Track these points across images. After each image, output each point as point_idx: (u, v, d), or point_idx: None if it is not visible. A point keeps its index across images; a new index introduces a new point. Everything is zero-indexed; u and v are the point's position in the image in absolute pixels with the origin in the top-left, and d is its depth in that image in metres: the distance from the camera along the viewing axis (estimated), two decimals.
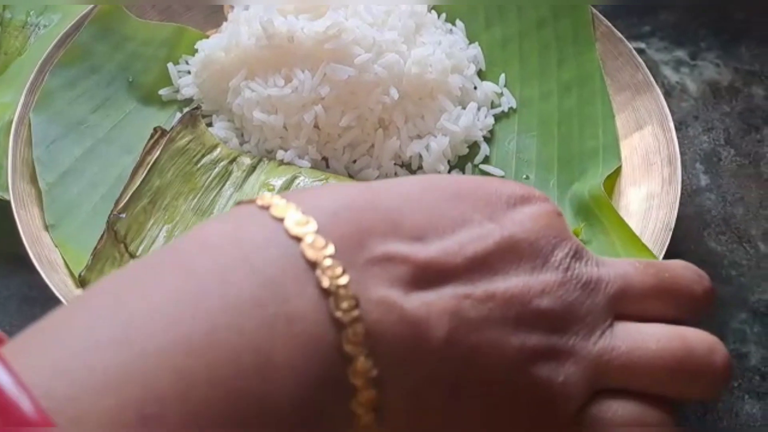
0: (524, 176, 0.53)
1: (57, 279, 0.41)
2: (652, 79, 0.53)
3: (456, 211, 0.25)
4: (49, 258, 0.42)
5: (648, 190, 0.49)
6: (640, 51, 0.62)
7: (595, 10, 0.56)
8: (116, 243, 0.41)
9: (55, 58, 0.50)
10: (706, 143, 0.57)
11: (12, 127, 0.46)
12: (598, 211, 0.48)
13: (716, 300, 0.29)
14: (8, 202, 0.44)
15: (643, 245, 0.44)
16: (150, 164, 0.45)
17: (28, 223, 0.43)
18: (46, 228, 0.44)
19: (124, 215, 0.42)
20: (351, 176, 0.51)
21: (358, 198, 0.25)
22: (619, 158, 0.51)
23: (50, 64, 0.50)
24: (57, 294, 0.41)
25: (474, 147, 0.54)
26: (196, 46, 0.54)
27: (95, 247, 0.42)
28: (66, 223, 0.45)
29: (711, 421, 0.45)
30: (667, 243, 0.44)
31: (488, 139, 0.55)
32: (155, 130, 0.47)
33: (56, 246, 0.44)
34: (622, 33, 0.55)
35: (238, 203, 0.25)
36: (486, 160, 0.54)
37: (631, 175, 0.51)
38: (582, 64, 0.55)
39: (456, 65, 0.54)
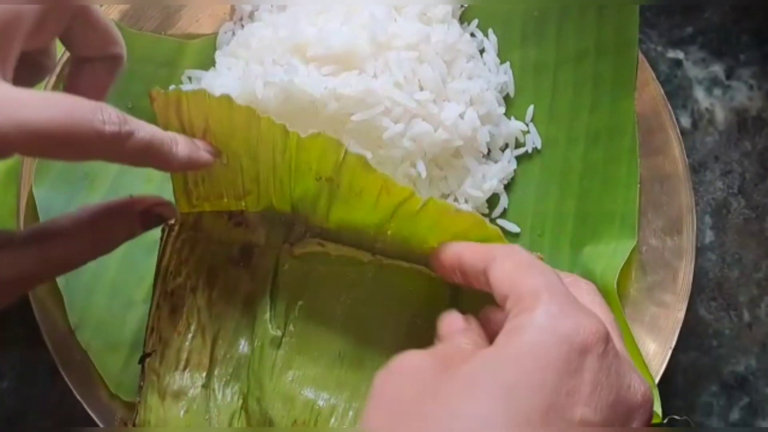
0: (538, 232, 0.53)
1: (91, 396, 0.43)
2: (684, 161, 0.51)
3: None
4: (80, 370, 0.43)
5: (653, 281, 0.50)
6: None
7: (642, 57, 0.51)
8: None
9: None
10: (720, 191, 0.57)
11: (17, 206, 0.44)
12: (606, 298, 0.50)
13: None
14: None
15: (644, 364, 0.47)
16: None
17: (52, 331, 0.43)
18: (71, 330, 0.44)
19: (154, 354, 0.42)
20: None
21: None
22: (635, 236, 0.51)
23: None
24: (91, 414, 0.43)
25: (493, 197, 0.53)
26: (202, 85, 0.48)
27: (138, 396, 0.42)
28: (88, 315, 0.45)
29: None
30: (665, 365, 0.48)
31: (508, 186, 0.54)
32: (162, 231, 0.45)
33: (84, 351, 0.44)
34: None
35: None
36: (504, 212, 0.53)
37: (641, 255, 0.51)
38: (616, 113, 0.52)
39: (486, 114, 0.51)
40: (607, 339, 0.31)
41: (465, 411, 0.28)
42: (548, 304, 0.32)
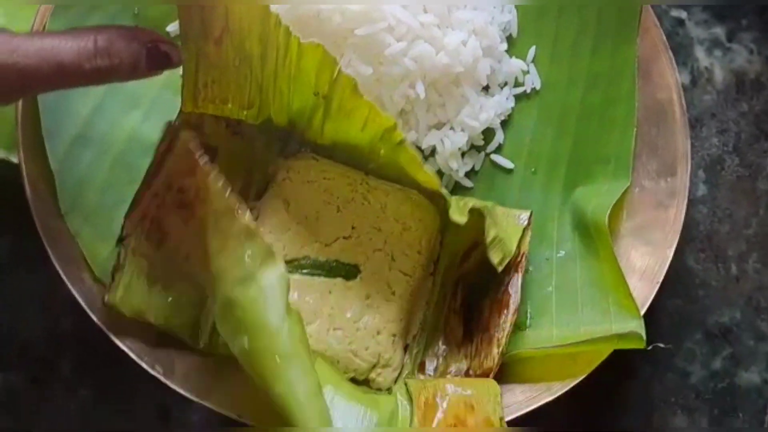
0: (532, 169, 0.53)
1: (75, 277, 0.43)
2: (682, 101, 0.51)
3: None
4: (67, 252, 0.43)
5: (643, 220, 0.50)
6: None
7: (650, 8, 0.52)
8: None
9: None
10: (715, 147, 0.57)
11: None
12: (596, 236, 0.50)
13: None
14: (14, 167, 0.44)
15: (630, 295, 0.47)
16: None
17: (43, 213, 0.43)
18: (60, 214, 0.44)
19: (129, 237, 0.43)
20: None
21: None
22: (628, 177, 0.51)
23: (48, 9, 0.45)
24: (75, 294, 0.42)
25: (489, 132, 0.53)
26: None
27: (114, 266, 0.43)
28: (79, 204, 0.45)
29: None
30: (651, 299, 0.48)
31: (505, 123, 0.54)
32: (168, 124, 0.45)
33: (73, 236, 0.44)
34: None
35: None
36: (499, 148, 0.54)
37: (633, 195, 0.51)
38: (617, 57, 0.52)
39: (488, 47, 0.51)
40: None
41: None
42: None
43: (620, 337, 0.45)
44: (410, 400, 0.44)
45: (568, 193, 0.52)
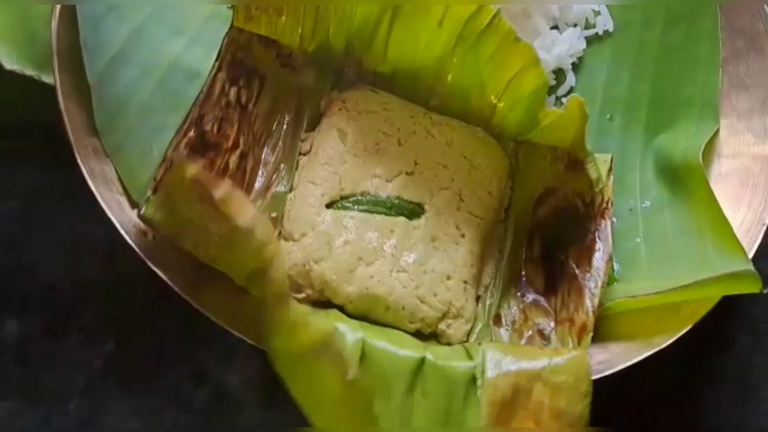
0: (608, 116, 0.49)
1: (111, 199, 0.38)
2: None
3: None
4: (101, 172, 0.38)
5: (742, 164, 0.45)
6: None
7: None
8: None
9: None
10: None
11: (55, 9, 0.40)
12: (688, 179, 0.45)
13: None
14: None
15: (735, 236, 0.41)
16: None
17: (77, 128, 0.39)
18: (95, 132, 0.40)
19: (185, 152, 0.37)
20: None
21: None
22: (717, 119, 0.46)
23: None
24: (110, 216, 0.37)
25: (559, 74, 0.49)
26: None
27: (155, 179, 0.37)
28: (116, 124, 0.41)
29: None
30: (759, 240, 0.42)
31: (576, 66, 0.50)
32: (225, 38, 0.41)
33: (107, 156, 0.39)
34: None
35: None
36: (570, 91, 0.49)
37: (724, 141, 0.46)
38: None
39: None
40: None
41: None
42: None
43: (731, 278, 0.39)
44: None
45: (649, 139, 0.48)
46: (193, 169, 0.34)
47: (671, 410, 0.46)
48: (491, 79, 0.42)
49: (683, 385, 0.47)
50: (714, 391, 0.47)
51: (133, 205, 0.39)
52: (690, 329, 0.40)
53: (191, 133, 0.39)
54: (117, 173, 0.40)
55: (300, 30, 0.43)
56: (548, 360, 0.37)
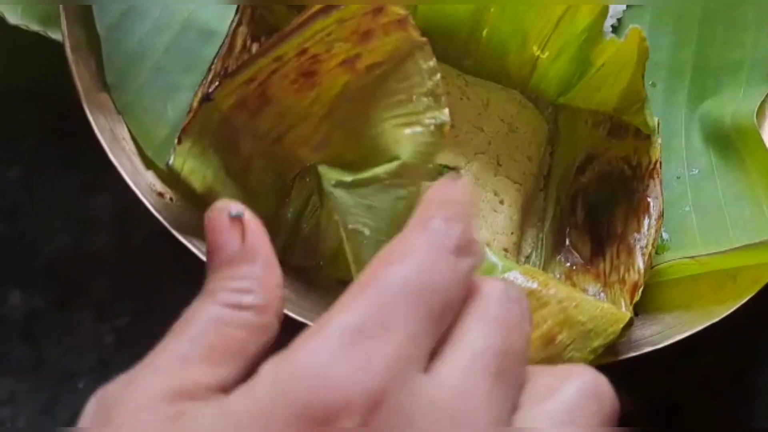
0: (650, 82, 0.46)
1: (123, 159, 0.35)
2: None
3: None
4: (113, 131, 0.35)
5: None
6: None
7: None
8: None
9: None
10: None
11: None
12: (740, 143, 0.42)
13: None
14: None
15: None
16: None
17: (86, 82, 0.35)
18: (105, 87, 0.37)
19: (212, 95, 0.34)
20: None
21: None
22: (766, 83, 0.44)
23: None
24: (125, 176, 0.34)
25: None
26: None
27: (183, 127, 0.34)
28: (128, 81, 0.38)
29: None
30: None
31: (615, 29, 0.47)
32: None
33: (119, 113, 0.36)
34: None
35: None
36: None
37: None
38: None
39: None
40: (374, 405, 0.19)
41: None
42: (337, 336, 0.20)
43: None
44: None
45: (694, 106, 0.45)
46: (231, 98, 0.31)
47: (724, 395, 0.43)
48: (535, 24, 0.39)
49: (735, 368, 0.44)
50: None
51: (148, 165, 0.36)
52: (747, 303, 0.37)
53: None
54: (129, 131, 0.36)
55: None
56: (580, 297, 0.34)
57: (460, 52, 0.42)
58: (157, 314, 0.39)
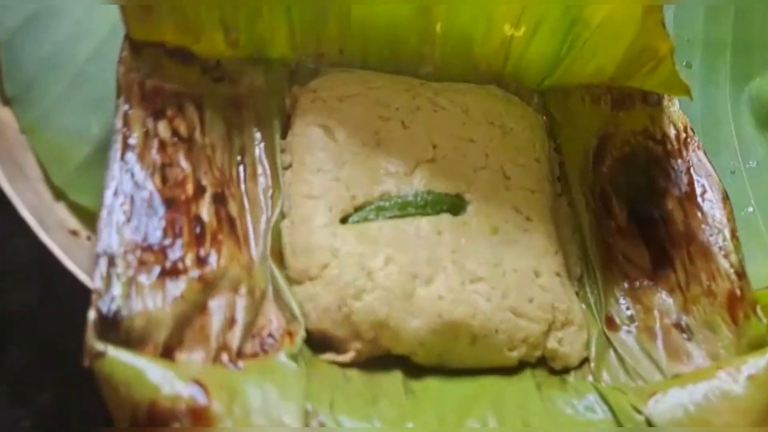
0: (684, 62, 0.39)
1: (27, 191, 0.27)
2: None
3: None
4: (13, 156, 0.27)
5: None
6: None
7: None
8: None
9: None
10: None
11: None
12: None
13: None
14: None
15: None
16: None
17: None
18: (6, 102, 0.29)
19: None
20: None
21: None
22: None
23: None
24: (22, 212, 0.26)
25: None
26: None
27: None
28: (35, 93, 0.30)
29: None
30: None
31: None
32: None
33: (22, 132, 0.28)
34: None
35: None
36: None
37: None
38: None
39: None
40: None
41: None
42: None
43: None
44: None
45: (739, 87, 0.40)
46: None
47: None
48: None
49: None
50: None
51: (58, 195, 0.28)
52: None
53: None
54: (36, 155, 0.28)
55: (233, 34, 0.31)
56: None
57: (414, 59, 0.34)
58: (85, 392, 0.30)
